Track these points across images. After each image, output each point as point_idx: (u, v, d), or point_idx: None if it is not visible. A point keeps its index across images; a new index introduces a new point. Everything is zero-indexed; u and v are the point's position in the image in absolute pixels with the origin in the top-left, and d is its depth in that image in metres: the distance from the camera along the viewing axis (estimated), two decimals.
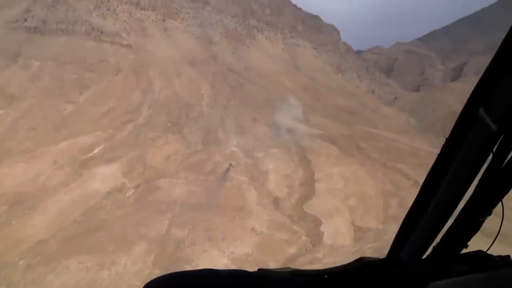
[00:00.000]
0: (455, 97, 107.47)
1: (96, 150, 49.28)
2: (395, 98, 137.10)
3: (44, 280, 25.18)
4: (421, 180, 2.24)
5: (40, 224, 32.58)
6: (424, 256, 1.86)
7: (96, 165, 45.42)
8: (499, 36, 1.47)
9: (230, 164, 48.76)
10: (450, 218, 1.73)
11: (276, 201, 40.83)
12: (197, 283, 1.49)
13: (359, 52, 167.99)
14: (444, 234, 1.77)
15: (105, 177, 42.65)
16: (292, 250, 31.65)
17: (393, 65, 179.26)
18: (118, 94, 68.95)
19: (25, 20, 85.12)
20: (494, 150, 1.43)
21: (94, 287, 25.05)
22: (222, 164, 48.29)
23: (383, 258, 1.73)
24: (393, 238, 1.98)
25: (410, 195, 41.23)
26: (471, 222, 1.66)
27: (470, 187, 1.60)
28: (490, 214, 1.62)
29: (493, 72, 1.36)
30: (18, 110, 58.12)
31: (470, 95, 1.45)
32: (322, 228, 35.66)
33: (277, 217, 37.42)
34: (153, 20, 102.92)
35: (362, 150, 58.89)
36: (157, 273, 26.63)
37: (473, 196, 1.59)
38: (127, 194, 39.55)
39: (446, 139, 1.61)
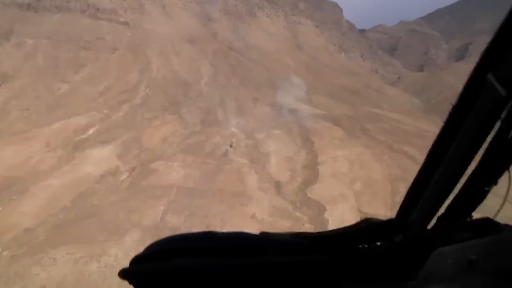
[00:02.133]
0: (460, 77, 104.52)
1: (91, 131, 47.26)
2: (399, 78, 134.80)
3: (29, 273, 23.40)
4: None
5: (28, 210, 30.70)
6: (428, 226, 1.79)
7: (90, 147, 43.43)
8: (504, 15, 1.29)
9: (230, 146, 46.86)
10: (455, 188, 1.66)
11: (277, 186, 38.85)
12: (198, 245, 1.58)
13: (362, 31, 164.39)
14: (448, 204, 1.71)
15: (98, 159, 40.69)
16: None
17: (396, 45, 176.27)
18: (115, 73, 66.67)
19: None
20: (502, 116, 1.38)
21: (82, 281, 23.22)
22: (221, 146, 46.31)
23: (388, 220, 1.78)
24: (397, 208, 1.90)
25: None
26: (477, 191, 1.60)
27: (476, 155, 1.53)
28: (496, 184, 1.55)
29: (503, 35, 1.30)
30: (10, 90, 55.99)
31: (479, 59, 1.37)
32: (326, 215, 33.75)
33: (279, 202, 35.48)
34: None
35: (367, 131, 56.88)
36: None
37: (479, 165, 1.53)
38: (120, 178, 37.58)
39: (453, 105, 1.53)
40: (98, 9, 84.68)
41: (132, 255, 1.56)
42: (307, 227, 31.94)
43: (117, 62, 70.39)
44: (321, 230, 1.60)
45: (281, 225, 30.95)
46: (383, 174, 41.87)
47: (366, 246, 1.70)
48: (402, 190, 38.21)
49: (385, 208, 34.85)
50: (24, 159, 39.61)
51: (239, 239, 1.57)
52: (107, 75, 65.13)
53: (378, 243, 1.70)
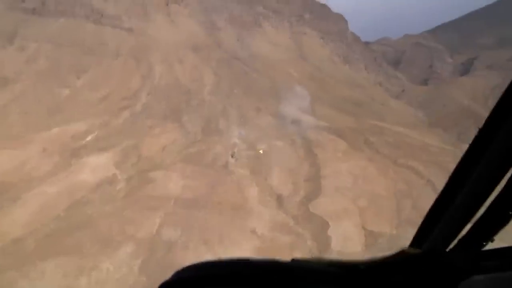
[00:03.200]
0: (465, 92, 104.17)
1: (89, 138, 46.32)
2: (403, 91, 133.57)
3: (15, 287, 22.18)
4: (434, 179, 2.07)
5: (19, 219, 29.56)
6: (447, 249, 1.76)
7: (88, 154, 42.41)
8: (510, 31, 1.13)
9: (232, 156, 45.73)
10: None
11: (279, 199, 37.64)
12: (230, 273, 1.50)
13: (366, 43, 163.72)
14: (470, 227, 1.67)
15: (95, 167, 39.61)
16: (296, 256, 28.45)
17: (400, 57, 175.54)
18: (117, 79, 65.95)
19: (23, 1, 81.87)
20: None
21: None
22: (222, 156, 45.20)
23: (425, 252, 1.76)
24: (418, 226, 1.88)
25: (424, 196, 38.18)
26: (501, 215, 1.55)
27: (503, 179, 1.49)
28: None
29: None
30: (10, 93, 55.31)
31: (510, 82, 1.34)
32: (329, 232, 32.47)
33: (280, 217, 34.24)
34: (156, 4, 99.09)
35: (371, 144, 55.71)
36: (143, 280, 23.71)
37: (505, 188, 1.47)
38: (117, 187, 36.45)
39: (479, 129, 1.51)
40: (102, 15, 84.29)
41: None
42: (309, 244, 30.70)
43: (120, 68, 69.70)
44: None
45: (282, 242, 29.72)
46: (388, 190, 40.63)
47: (401, 279, 1.63)
48: (408, 206, 36.98)
49: (390, 226, 33.58)
50: (19, 164, 38.61)
51: (272, 267, 1.47)
52: (109, 81, 64.39)
53: (414, 274, 1.64)
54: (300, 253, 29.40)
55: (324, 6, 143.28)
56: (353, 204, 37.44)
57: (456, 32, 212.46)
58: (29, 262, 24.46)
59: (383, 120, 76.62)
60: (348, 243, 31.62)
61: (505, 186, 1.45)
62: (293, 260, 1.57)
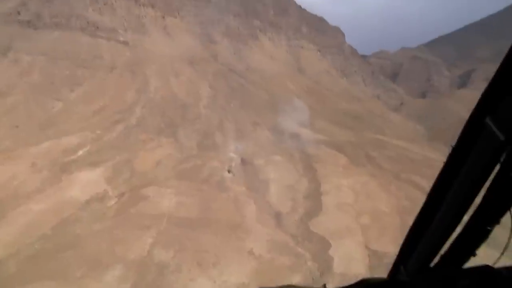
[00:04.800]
0: (463, 104, 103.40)
1: (80, 152, 44.62)
2: (401, 104, 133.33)
3: None
4: None
5: (2, 238, 27.71)
6: (431, 264, 1.86)
7: (78, 169, 40.68)
8: (507, 44, 1.44)
9: (228, 171, 44.15)
10: (458, 227, 1.73)
11: (278, 217, 35.92)
12: None
13: (363, 57, 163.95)
14: (452, 243, 1.78)
15: (86, 183, 37.87)
16: (296, 279, 26.54)
17: (398, 70, 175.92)
18: (111, 92, 64.60)
19: (19, 13, 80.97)
20: (501, 159, 1.42)
21: None
22: (218, 171, 43.57)
23: (386, 280, 1.85)
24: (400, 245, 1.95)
25: None
26: (479, 231, 1.65)
27: (478, 195, 1.60)
28: (498, 223, 1.62)
29: (500, 81, 1.38)
30: (1, 107, 53.81)
31: (477, 103, 1.47)
32: (331, 252, 30.72)
33: (279, 236, 32.46)
34: (152, 17, 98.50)
35: (372, 159, 54.32)
36: None
37: (481, 205, 1.58)
38: (108, 204, 34.68)
39: (453, 147, 1.63)
40: (98, 28, 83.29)
41: None
42: (310, 265, 28.95)
43: (114, 81, 68.45)
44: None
45: (281, 263, 27.97)
46: (391, 206, 39.05)
47: None
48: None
49: (394, 245, 31.78)
50: (6, 180, 36.87)
51: None
52: (103, 94, 63.02)
53: None
54: (300, 275, 27.57)
55: (321, 19, 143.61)
56: (355, 222, 35.78)
57: (453, 45, 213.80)
58: (8, 287, 22.67)
59: (383, 133, 75.52)
60: (351, 263, 29.82)
61: (481, 203, 1.51)
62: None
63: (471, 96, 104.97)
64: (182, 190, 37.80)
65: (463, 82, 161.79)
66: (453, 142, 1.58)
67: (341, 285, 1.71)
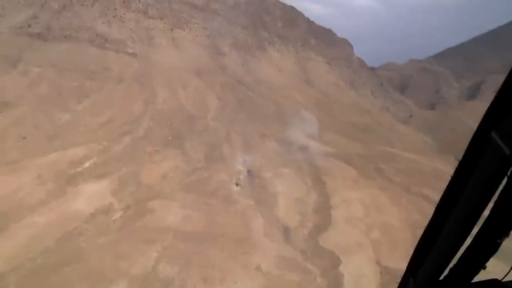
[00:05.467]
0: (473, 116, 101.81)
1: (87, 164, 44.22)
2: (410, 116, 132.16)
3: None
4: None
5: (3, 252, 27.13)
6: (441, 277, 1.85)
7: (84, 181, 40.24)
8: None
9: (237, 185, 43.42)
10: (468, 239, 1.71)
11: (286, 231, 34.99)
12: None
13: (372, 69, 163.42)
14: (461, 256, 1.76)
15: (91, 195, 37.36)
16: None
17: (407, 82, 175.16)
18: (119, 104, 64.47)
19: (29, 26, 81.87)
20: (508, 173, 1.41)
21: None
22: (225, 184, 42.85)
23: None
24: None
25: None
26: (489, 244, 1.63)
27: (486, 208, 1.58)
28: (508, 236, 1.59)
29: (506, 94, 1.39)
30: (9, 118, 53.67)
31: (482, 117, 1.48)
32: (341, 268, 29.75)
33: (287, 252, 31.56)
34: (160, 29, 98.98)
35: (382, 172, 53.30)
36: None
37: (490, 218, 1.56)
38: (113, 217, 34.07)
39: (459, 161, 1.63)
40: (106, 40, 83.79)
41: None
42: (319, 282, 27.98)
43: (122, 93, 68.41)
44: None
45: (289, 280, 27.05)
46: (402, 220, 38.01)
47: None
48: None
49: (406, 261, 30.35)
50: (11, 191, 36.43)
51: None
52: (111, 106, 62.90)
53: None
54: None
55: (329, 31, 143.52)
56: (366, 237, 34.76)
57: (461, 57, 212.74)
58: None
59: (392, 146, 74.46)
60: (362, 281, 28.82)
61: (489, 216, 1.48)
62: None
63: (480, 108, 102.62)
64: (189, 203, 37.12)
65: (472, 93, 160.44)
66: (462, 154, 1.54)
67: None
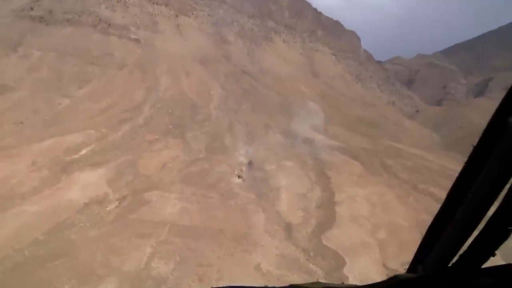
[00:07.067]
0: (481, 113, 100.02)
1: (83, 151, 42.71)
2: (417, 111, 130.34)
3: None
4: None
5: None
6: (450, 264, 1.81)
7: (80, 169, 38.72)
8: None
9: (239, 177, 41.82)
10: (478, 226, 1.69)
11: (288, 228, 33.32)
12: None
13: (379, 62, 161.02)
14: (471, 242, 1.74)
15: (86, 184, 35.84)
16: None
17: (414, 77, 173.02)
18: (120, 90, 62.89)
19: (32, 9, 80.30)
20: None
21: None
22: (226, 176, 41.26)
23: (417, 276, 1.82)
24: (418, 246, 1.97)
25: None
26: (500, 230, 1.60)
27: (499, 195, 1.56)
28: None
29: None
30: (7, 102, 52.31)
31: (500, 103, 1.47)
32: (345, 270, 28.13)
33: (289, 250, 29.94)
34: (165, 16, 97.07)
35: (388, 168, 51.57)
36: None
37: (502, 204, 1.53)
38: (107, 208, 32.53)
39: (474, 147, 1.61)
40: (109, 25, 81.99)
41: None
42: None
43: (124, 79, 66.80)
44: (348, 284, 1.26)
45: (291, 281, 25.44)
46: (410, 220, 36.32)
47: None
48: None
49: None
50: (3, 178, 34.96)
51: None
52: (112, 92, 61.29)
53: None
54: None
55: (336, 22, 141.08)
56: (372, 237, 33.09)
57: (469, 52, 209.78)
58: None
59: (398, 141, 72.63)
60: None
61: (503, 201, 1.47)
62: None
63: (488, 105, 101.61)
64: (187, 195, 35.53)
65: (480, 90, 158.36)
66: (470, 150, 1.53)
67: (370, 283, 1.71)
